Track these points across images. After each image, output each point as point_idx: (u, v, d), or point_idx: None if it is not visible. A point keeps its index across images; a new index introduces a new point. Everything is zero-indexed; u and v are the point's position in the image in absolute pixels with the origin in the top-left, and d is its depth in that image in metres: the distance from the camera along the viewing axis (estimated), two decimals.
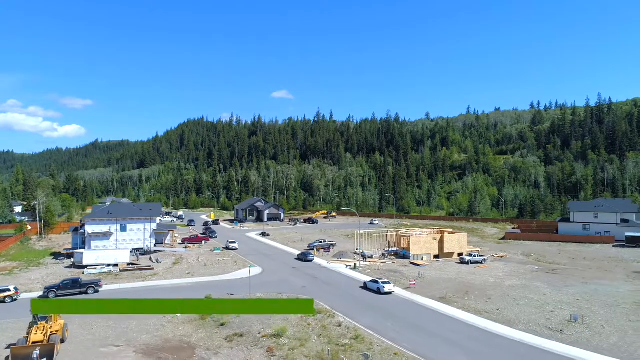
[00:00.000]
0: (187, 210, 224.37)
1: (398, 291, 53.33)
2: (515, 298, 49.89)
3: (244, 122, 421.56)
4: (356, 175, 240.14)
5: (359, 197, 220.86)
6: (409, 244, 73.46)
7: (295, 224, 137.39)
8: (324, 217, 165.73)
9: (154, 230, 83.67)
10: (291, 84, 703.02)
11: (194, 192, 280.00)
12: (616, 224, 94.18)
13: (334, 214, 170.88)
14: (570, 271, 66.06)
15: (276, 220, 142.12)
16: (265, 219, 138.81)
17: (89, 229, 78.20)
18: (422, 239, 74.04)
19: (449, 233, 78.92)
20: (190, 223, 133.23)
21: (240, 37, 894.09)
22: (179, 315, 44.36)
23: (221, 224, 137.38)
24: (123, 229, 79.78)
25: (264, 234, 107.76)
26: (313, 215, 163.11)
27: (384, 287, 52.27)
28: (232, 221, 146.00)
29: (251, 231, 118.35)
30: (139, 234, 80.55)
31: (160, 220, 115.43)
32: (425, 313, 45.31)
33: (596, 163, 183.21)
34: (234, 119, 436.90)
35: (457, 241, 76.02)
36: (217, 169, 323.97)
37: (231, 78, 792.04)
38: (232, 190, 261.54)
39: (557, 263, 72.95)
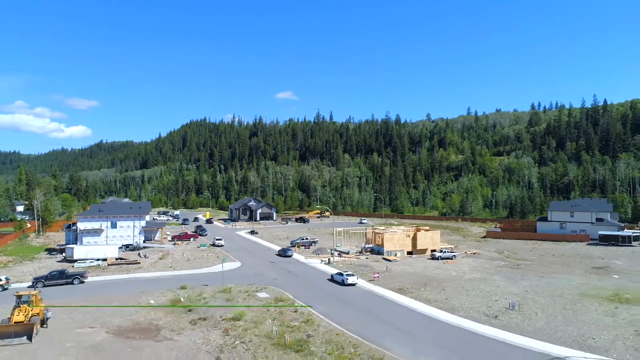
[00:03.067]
0: (185, 209, 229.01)
1: (361, 283, 56.96)
2: (468, 289, 53.37)
3: (245, 123, 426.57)
4: (353, 176, 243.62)
5: (355, 198, 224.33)
6: (382, 241, 77.03)
7: (287, 222, 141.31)
8: (317, 217, 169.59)
9: (143, 227, 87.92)
10: (296, 85, 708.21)
11: (194, 192, 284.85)
12: (591, 222, 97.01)
13: (327, 213, 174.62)
14: (534, 267, 69.29)
15: (268, 220, 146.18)
16: (258, 218, 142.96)
17: (81, 225, 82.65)
18: (395, 236, 77.52)
19: (424, 231, 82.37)
20: (184, 222, 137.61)
21: (244, 38, 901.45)
22: (152, 301, 48.43)
23: (215, 222, 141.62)
24: (113, 225, 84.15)
25: (252, 232, 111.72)
26: (306, 215, 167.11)
27: (347, 279, 55.97)
28: (225, 220, 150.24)
29: (242, 229, 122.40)
30: (129, 230, 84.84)
31: (154, 218, 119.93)
32: (380, 302, 48.93)
33: (588, 164, 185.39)
34: (236, 120, 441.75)
35: (430, 238, 79.45)
36: (217, 169, 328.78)
37: (235, 79, 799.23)
38: (231, 191, 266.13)
39: (525, 259, 76.14)
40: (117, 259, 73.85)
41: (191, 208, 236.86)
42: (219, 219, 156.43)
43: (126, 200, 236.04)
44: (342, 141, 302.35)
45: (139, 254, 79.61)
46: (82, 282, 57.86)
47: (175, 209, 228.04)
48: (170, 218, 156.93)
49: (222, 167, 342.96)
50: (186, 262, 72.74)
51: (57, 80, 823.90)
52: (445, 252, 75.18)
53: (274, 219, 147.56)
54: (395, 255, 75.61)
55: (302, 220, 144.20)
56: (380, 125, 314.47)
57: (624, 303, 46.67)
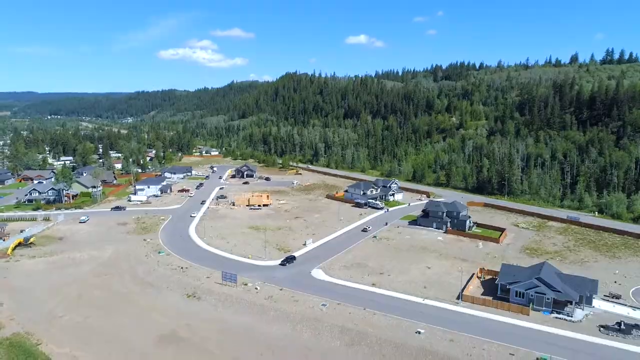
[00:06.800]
0: (252, 160, 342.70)
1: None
2: (230, 219, 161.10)
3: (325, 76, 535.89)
4: (353, 138, 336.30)
5: (348, 156, 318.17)
6: (236, 198, 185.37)
7: (256, 181, 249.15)
8: (295, 174, 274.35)
9: (163, 185, 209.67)
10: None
11: (262, 144, 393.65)
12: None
13: (301, 172, 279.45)
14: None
15: (251, 177, 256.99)
16: (245, 177, 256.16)
17: (138, 186, 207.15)
18: (242, 196, 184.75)
19: (260, 196, 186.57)
20: (206, 177, 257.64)
21: None
22: (142, 215, 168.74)
23: (223, 180, 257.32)
24: (154, 183, 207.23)
25: (222, 189, 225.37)
26: (287, 173, 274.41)
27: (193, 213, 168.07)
28: (233, 176, 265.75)
29: (226, 186, 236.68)
30: (154, 189, 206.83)
31: (185, 175, 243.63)
32: (190, 220, 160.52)
33: None
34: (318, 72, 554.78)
35: (259, 197, 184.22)
36: (283, 124, 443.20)
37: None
38: (277, 145, 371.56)
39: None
40: (145, 201, 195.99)
41: (245, 159, 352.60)
42: (232, 177, 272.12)
43: (214, 150, 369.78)
44: (376, 102, 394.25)
45: (147, 199, 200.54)
46: (125, 209, 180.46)
47: (235, 158, 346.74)
48: (211, 173, 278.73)
49: (293, 120, 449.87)
50: (164, 203, 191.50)
51: (217, 16, 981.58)
52: (259, 207, 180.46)
53: (253, 177, 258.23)
54: (240, 206, 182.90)
55: (266, 179, 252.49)
56: (407, 89, 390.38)
57: None
